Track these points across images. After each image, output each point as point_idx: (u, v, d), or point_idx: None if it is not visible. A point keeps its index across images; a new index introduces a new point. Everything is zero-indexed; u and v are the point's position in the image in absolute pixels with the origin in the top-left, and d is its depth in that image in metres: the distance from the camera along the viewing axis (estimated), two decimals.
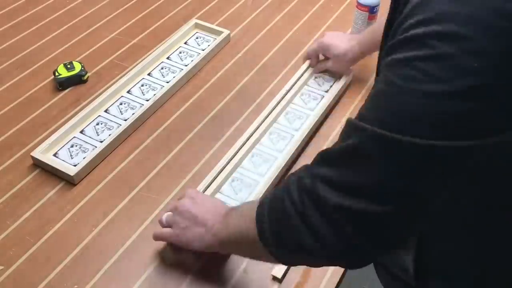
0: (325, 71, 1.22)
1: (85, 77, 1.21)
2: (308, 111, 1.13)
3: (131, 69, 1.23)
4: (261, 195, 0.95)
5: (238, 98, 1.19)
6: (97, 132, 1.09)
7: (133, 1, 1.48)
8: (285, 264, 0.77)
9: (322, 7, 1.46)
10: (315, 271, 0.87)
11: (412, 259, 0.73)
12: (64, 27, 1.38)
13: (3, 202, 0.98)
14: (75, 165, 1.02)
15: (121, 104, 1.15)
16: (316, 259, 0.66)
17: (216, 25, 1.36)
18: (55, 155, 1.04)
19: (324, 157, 0.61)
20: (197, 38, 1.33)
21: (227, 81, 1.23)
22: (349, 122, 0.59)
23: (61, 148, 1.06)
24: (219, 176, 0.99)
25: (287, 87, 1.17)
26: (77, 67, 1.21)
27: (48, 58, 1.28)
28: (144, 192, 1.00)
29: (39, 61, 1.27)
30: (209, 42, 1.31)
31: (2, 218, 0.95)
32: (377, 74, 0.70)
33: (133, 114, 1.12)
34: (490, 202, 0.63)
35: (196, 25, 1.36)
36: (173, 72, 1.22)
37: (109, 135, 1.07)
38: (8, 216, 0.95)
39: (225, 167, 1.00)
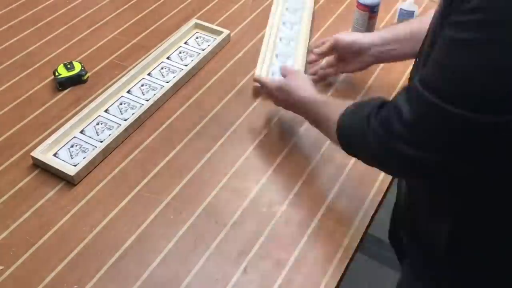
0: None
1: (85, 77, 1.21)
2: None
3: (131, 69, 1.23)
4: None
5: (238, 98, 1.19)
6: (97, 132, 1.09)
7: (133, 1, 1.48)
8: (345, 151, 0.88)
9: (322, 7, 1.46)
10: (315, 271, 0.88)
11: (446, 227, 0.78)
12: (64, 27, 1.38)
13: (3, 202, 0.98)
14: (75, 165, 1.01)
15: (121, 104, 1.15)
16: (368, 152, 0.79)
17: (216, 25, 1.36)
18: (55, 155, 1.04)
19: (398, 114, 0.70)
20: (197, 38, 1.33)
21: (227, 81, 1.23)
22: (415, 87, 0.67)
23: (61, 148, 1.06)
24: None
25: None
26: (77, 67, 1.21)
27: (48, 58, 1.28)
28: (144, 192, 1.00)
29: (39, 61, 1.27)
30: (209, 42, 1.31)
31: (2, 218, 0.95)
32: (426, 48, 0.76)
33: (133, 114, 1.12)
34: None
35: (196, 25, 1.36)
36: (173, 72, 1.22)
37: (109, 135, 1.07)
38: (8, 216, 0.95)
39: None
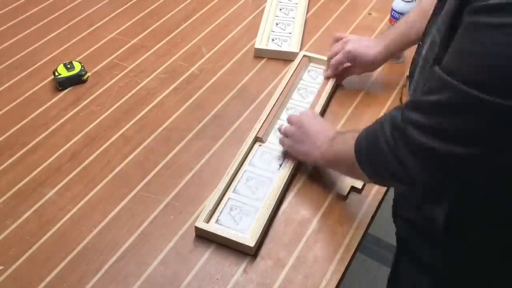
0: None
1: (85, 77, 1.21)
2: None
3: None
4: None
5: (238, 98, 1.19)
6: None
7: (133, 1, 1.48)
8: (376, 183, 0.92)
9: (322, 7, 1.46)
10: (315, 271, 0.88)
11: (443, 211, 0.79)
12: (64, 27, 1.38)
13: (3, 202, 0.98)
14: None
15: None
16: (399, 183, 0.81)
17: (216, 24, 1.36)
18: None
19: (416, 105, 0.71)
20: None
21: (227, 81, 1.23)
22: (437, 75, 0.66)
23: None
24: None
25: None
26: (77, 67, 1.21)
27: (48, 58, 1.28)
28: (144, 192, 1.00)
29: (39, 61, 1.27)
30: None
31: (2, 218, 0.95)
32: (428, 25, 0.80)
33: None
34: None
35: None
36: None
37: None
38: (8, 216, 0.95)
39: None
